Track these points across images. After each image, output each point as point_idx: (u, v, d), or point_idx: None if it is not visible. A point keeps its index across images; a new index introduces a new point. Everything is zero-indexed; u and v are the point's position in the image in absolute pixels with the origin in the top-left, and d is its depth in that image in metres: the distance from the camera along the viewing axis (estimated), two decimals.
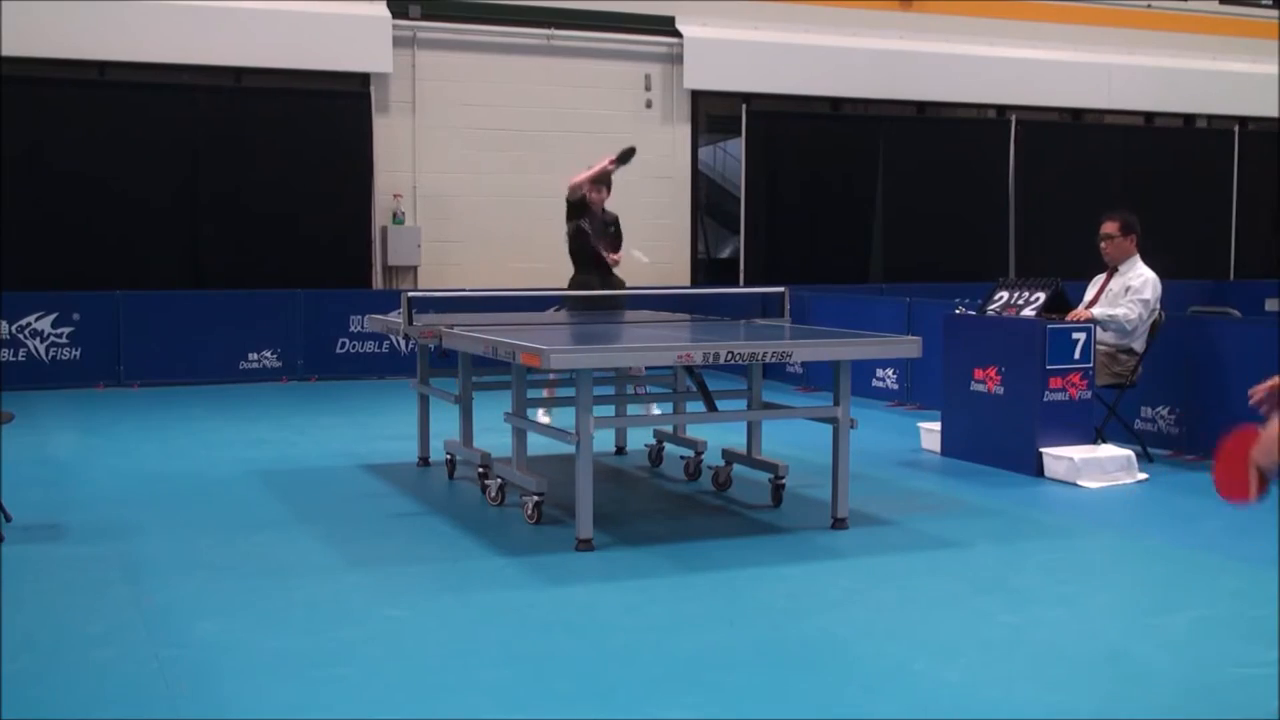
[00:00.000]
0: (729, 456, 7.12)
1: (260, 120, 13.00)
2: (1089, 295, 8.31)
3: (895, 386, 10.75)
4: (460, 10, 13.66)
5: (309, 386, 12.02)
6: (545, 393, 8.07)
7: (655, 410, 8.27)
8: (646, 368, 7.71)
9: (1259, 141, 17.44)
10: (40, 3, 11.96)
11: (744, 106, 15.00)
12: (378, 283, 13.46)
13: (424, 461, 7.84)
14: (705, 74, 14.56)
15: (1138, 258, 8.20)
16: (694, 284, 14.59)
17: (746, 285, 14.30)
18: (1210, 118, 17.60)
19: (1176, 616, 4.75)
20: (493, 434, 7.90)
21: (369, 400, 11.03)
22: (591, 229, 9.01)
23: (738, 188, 15.44)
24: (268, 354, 12.22)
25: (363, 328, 11.73)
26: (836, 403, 6.15)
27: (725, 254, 16.08)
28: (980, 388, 7.93)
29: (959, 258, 15.36)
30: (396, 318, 7.33)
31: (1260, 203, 17.49)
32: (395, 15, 13.31)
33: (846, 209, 15.47)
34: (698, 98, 14.76)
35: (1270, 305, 14.87)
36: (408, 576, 5.34)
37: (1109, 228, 8.22)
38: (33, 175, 12.16)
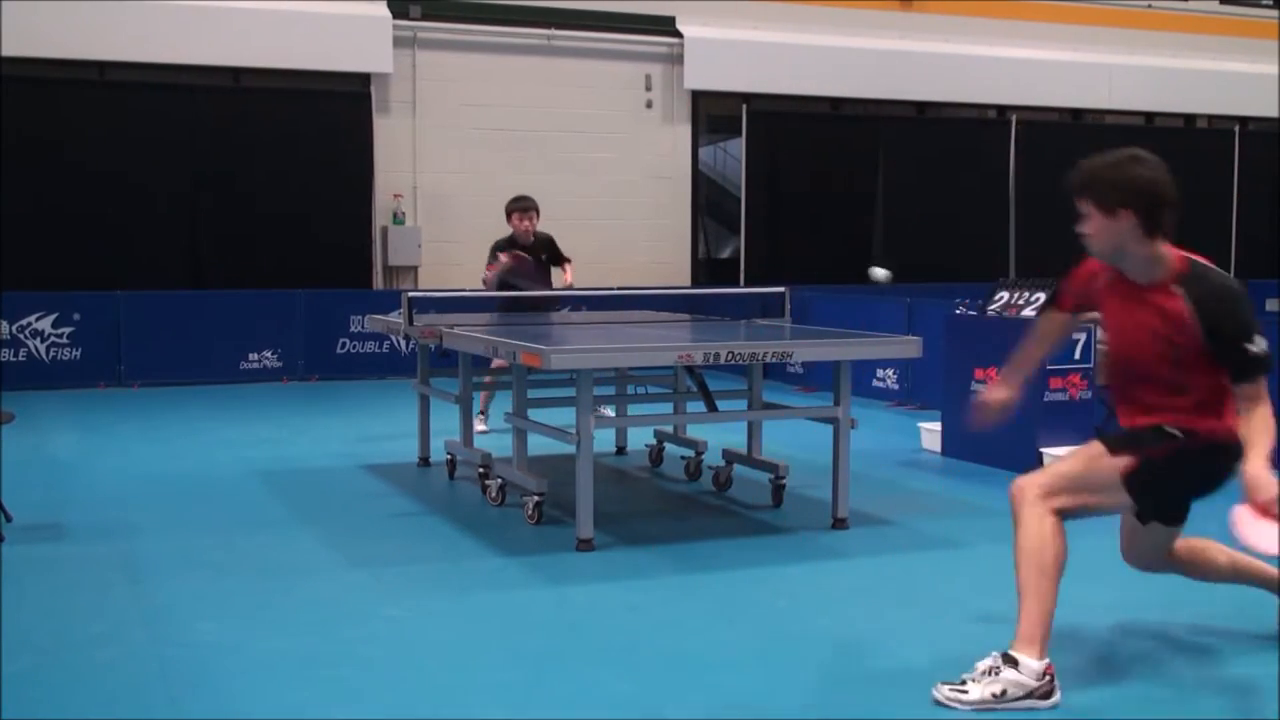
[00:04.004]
0: (729, 456, 7.12)
1: (260, 120, 13.00)
2: None
3: (895, 386, 10.75)
4: (460, 10, 13.66)
5: (309, 386, 12.02)
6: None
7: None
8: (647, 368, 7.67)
9: (1259, 141, 17.44)
10: (40, 3, 11.96)
11: (744, 106, 15.01)
12: (378, 283, 13.46)
13: (424, 461, 7.84)
14: (705, 74, 14.56)
15: None
16: (694, 284, 14.60)
17: (747, 285, 14.29)
18: (1210, 118, 17.60)
19: (1176, 616, 4.75)
20: (493, 434, 7.91)
21: (369, 400, 11.03)
22: (522, 272, 8.82)
23: (738, 188, 15.44)
24: (268, 354, 12.22)
25: (363, 328, 11.72)
26: (837, 403, 6.15)
27: (725, 254, 16.07)
28: (981, 388, 7.92)
29: (960, 258, 15.34)
30: (397, 318, 7.33)
31: (1260, 203, 17.49)
32: (395, 15, 13.31)
33: (847, 209, 15.47)
34: (698, 98, 14.76)
35: (1270, 305, 14.85)
36: (408, 576, 5.34)
37: None
38: (33, 175, 12.16)
